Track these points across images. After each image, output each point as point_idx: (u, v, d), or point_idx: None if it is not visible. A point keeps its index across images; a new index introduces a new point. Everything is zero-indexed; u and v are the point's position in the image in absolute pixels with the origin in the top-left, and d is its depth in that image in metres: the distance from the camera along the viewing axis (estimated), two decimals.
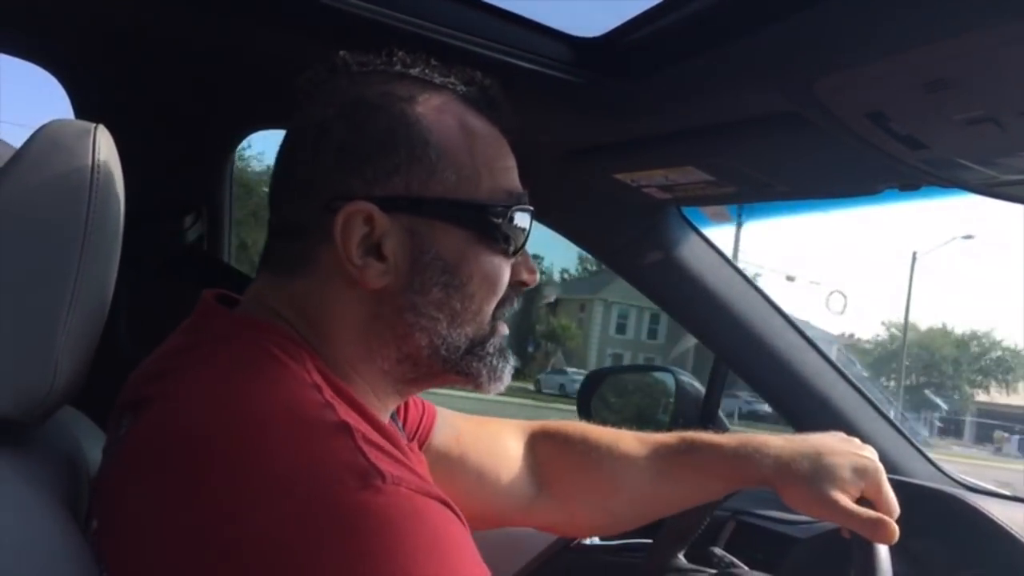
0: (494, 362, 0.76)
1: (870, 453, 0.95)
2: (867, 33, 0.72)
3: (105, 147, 0.67)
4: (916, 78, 0.71)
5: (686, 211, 1.42)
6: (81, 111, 1.16)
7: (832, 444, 0.95)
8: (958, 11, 0.64)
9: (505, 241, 0.73)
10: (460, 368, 0.74)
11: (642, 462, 0.99)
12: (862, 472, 0.92)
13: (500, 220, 0.73)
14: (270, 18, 0.96)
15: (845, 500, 0.90)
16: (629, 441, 1.01)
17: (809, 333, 1.46)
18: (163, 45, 1.10)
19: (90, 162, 0.64)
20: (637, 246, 1.42)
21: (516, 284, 0.77)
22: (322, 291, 0.70)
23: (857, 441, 0.97)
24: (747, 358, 1.49)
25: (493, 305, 0.74)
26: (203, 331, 0.70)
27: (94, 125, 0.67)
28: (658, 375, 1.89)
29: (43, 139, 0.65)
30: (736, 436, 0.99)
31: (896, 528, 0.88)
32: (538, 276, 0.79)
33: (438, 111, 0.72)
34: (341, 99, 0.72)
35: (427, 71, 0.74)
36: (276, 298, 0.71)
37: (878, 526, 0.89)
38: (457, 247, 0.71)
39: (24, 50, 1.12)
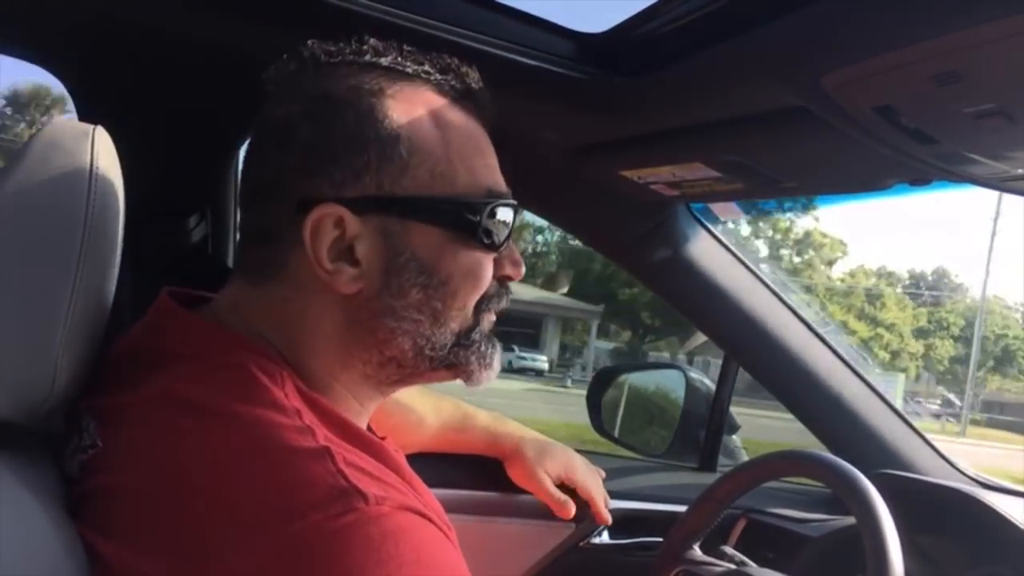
0: (482, 348, 0.74)
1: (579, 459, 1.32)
2: (875, 26, 0.71)
3: (104, 148, 0.67)
4: (925, 72, 0.70)
5: (695, 207, 1.41)
6: (84, 112, 1.16)
7: (551, 443, 1.32)
8: (967, 4, 0.63)
9: (487, 237, 0.70)
10: (448, 362, 0.72)
11: (432, 429, 1.24)
12: (568, 465, 1.29)
13: (478, 217, 0.70)
14: (273, 17, 0.96)
15: (548, 481, 1.27)
16: (432, 415, 1.25)
17: None
18: (167, 45, 1.10)
19: (88, 163, 0.64)
20: (646, 243, 1.41)
21: (502, 278, 0.75)
22: (297, 298, 0.68)
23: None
24: (757, 355, 1.48)
25: (476, 299, 0.72)
26: (170, 335, 0.68)
27: (92, 126, 0.67)
28: (668, 372, 1.88)
29: (42, 140, 0.65)
30: (495, 422, 1.30)
31: (573, 508, 1.27)
32: (523, 269, 0.76)
33: (409, 104, 0.69)
34: (307, 95, 0.69)
35: (399, 60, 0.71)
36: (251, 306, 0.69)
37: (563, 504, 1.27)
38: (434, 246, 0.69)
39: (27, 52, 1.12)
